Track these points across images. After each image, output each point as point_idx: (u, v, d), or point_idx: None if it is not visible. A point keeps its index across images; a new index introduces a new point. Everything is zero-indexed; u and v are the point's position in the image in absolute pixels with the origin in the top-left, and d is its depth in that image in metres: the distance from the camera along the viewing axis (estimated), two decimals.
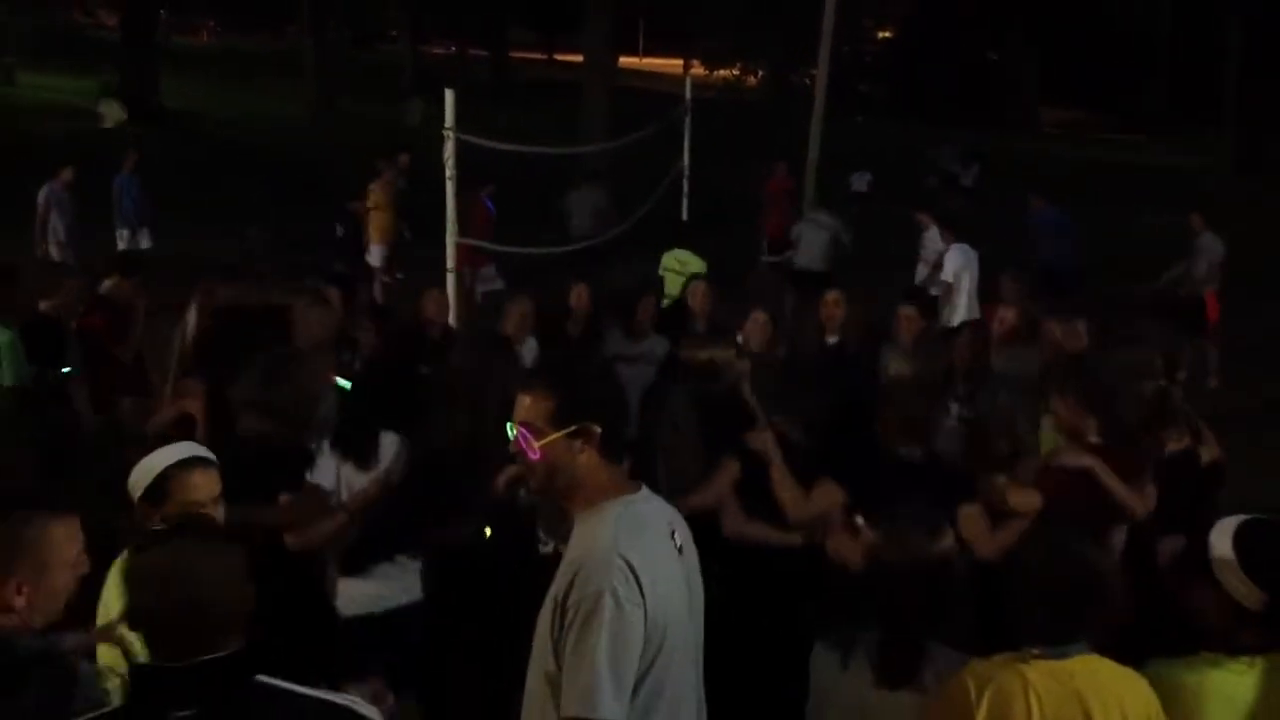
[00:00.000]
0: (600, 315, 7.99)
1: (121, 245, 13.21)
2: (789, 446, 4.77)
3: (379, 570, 4.66)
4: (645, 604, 2.61)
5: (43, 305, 7.17)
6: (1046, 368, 6.49)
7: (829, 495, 4.59)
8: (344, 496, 4.65)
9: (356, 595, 4.64)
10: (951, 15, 41.69)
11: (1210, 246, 12.00)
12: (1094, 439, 4.77)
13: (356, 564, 4.66)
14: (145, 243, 13.74)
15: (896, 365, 6.71)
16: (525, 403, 2.77)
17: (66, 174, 12.57)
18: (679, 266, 11.26)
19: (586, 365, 3.21)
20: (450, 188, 8.56)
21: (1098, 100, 44.10)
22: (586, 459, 2.74)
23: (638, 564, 2.62)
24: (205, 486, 3.18)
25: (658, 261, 11.48)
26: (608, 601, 2.56)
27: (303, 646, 2.57)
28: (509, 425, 2.80)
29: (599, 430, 2.74)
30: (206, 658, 2.20)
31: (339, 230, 12.87)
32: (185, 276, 7.37)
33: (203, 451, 3.31)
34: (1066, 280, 11.95)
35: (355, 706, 2.31)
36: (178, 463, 3.18)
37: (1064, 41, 40.94)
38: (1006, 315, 7.17)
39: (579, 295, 8.16)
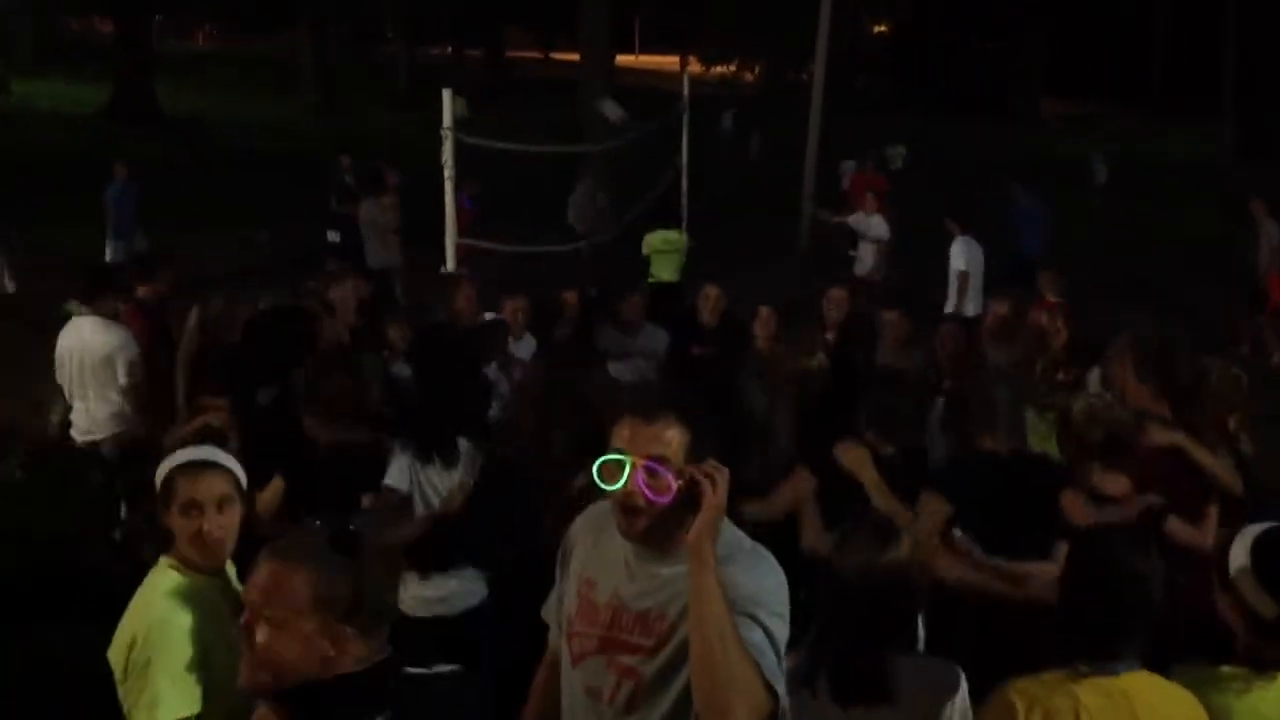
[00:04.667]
0: (589, 315, 7.89)
1: (111, 256, 12.96)
2: (880, 461, 4.54)
3: (448, 577, 4.61)
4: None
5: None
6: (1030, 354, 6.43)
7: (933, 509, 4.29)
8: (422, 498, 4.64)
9: (424, 597, 4.60)
10: (949, 7, 41.65)
11: (1271, 231, 12.36)
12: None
13: (426, 570, 4.61)
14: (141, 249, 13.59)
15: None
16: (656, 434, 2.40)
17: None
18: (666, 246, 11.47)
19: (700, 395, 2.75)
20: (449, 189, 8.57)
21: (1099, 89, 44.01)
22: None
23: None
24: (207, 488, 3.14)
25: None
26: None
27: None
28: (623, 458, 2.40)
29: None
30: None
31: (331, 236, 12.56)
32: (188, 283, 7.33)
33: (217, 456, 3.27)
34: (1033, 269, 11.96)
35: None
36: (182, 464, 3.16)
37: (1063, 31, 40.89)
38: (999, 308, 6.98)
39: (568, 302, 7.93)
